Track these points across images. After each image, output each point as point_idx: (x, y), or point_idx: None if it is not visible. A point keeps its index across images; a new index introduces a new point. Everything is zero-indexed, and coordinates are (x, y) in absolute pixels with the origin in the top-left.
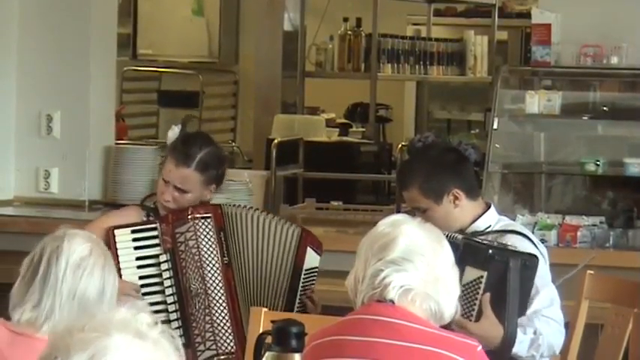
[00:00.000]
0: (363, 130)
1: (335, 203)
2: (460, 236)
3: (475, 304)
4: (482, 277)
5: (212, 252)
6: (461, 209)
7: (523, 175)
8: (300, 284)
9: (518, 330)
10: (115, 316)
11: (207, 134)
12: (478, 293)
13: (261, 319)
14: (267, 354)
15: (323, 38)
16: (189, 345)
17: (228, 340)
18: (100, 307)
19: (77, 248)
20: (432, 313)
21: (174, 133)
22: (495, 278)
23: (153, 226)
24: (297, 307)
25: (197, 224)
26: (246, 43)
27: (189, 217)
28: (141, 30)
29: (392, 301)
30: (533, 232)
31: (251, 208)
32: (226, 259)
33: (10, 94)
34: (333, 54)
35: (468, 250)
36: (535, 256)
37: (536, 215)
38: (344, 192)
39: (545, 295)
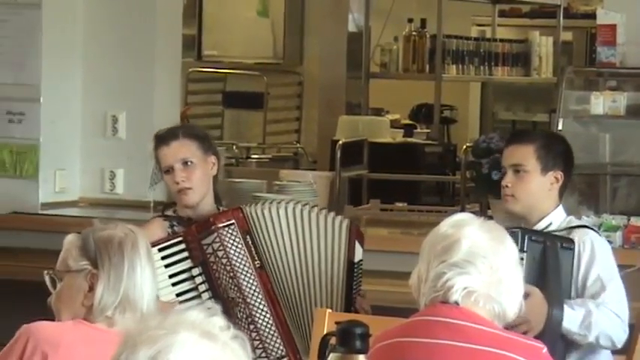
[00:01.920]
0: (428, 131)
1: (399, 204)
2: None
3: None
4: (522, 258)
5: (242, 258)
6: (549, 195)
7: (588, 176)
8: (354, 280)
9: (566, 307)
10: (186, 315)
11: None
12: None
13: (325, 320)
14: (331, 355)
15: (388, 39)
16: None
17: (277, 345)
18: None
19: (145, 244)
20: (496, 314)
21: (151, 145)
22: (535, 256)
23: (178, 240)
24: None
25: (222, 233)
26: (311, 44)
27: (213, 227)
28: (206, 31)
29: (456, 303)
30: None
31: (274, 201)
32: (258, 262)
33: (76, 95)
34: (398, 55)
35: None
36: (571, 239)
37: (601, 216)
38: (408, 193)
39: (612, 291)
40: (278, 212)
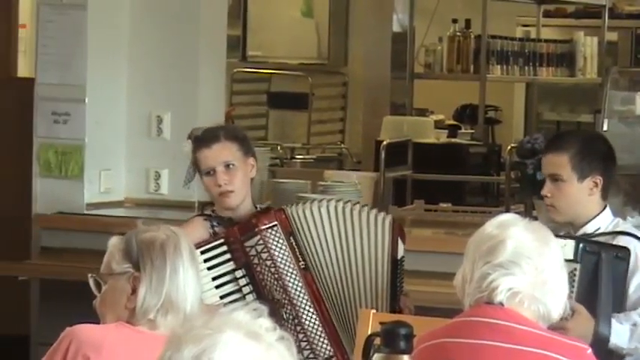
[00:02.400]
0: (472, 131)
1: (443, 205)
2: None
3: (571, 297)
4: (575, 269)
5: (287, 260)
6: (591, 199)
7: (633, 177)
8: (397, 278)
9: (613, 320)
10: (232, 316)
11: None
12: (573, 286)
13: (370, 321)
14: (375, 355)
15: (432, 39)
16: None
17: (324, 345)
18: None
19: (187, 245)
20: (541, 315)
21: (187, 145)
22: (588, 270)
23: (220, 242)
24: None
25: (265, 235)
26: (356, 45)
27: (256, 229)
28: (250, 32)
29: (501, 304)
30: None
31: (315, 200)
32: (302, 263)
33: (121, 95)
34: (442, 55)
35: (559, 243)
36: (627, 248)
37: None
38: (453, 193)
39: None
40: (320, 211)
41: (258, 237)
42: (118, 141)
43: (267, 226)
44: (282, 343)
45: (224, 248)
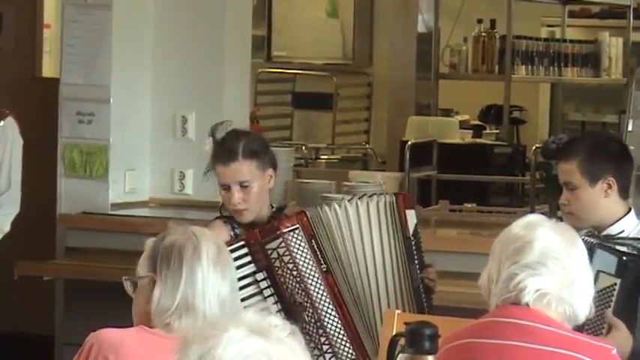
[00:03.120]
0: (497, 131)
1: (468, 205)
2: (593, 240)
3: (608, 311)
4: (615, 284)
5: (309, 263)
6: (608, 201)
7: None
8: (415, 253)
9: None
10: (240, 316)
11: (239, 129)
12: (611, 300)
13: (395, 321)
14: (400, 356)
15: (457, 40)
16: None
17: (346, 349)
18: (235, 301)
19: (211, 247)
20: (567, 316)
21: (208, 144)
22: (629, 286)
23: (241, 244)
24: (420, 278)
25: (287, 238)
26: (380, 45)
27: (278, 232)
28: (275, 32)
29: (527, 305)
30: None
31: (333, 202)
32: (324, 266)
33: (146, 95)
34: (467, 55)
35: (602, 254)
36: None
37: None
38: (477, 194)
39: None
40: (337, 213)
41: (280, 240)
42: (142, 141)
43: (289, 228)
44: (293, 339)
45: (245, 250)
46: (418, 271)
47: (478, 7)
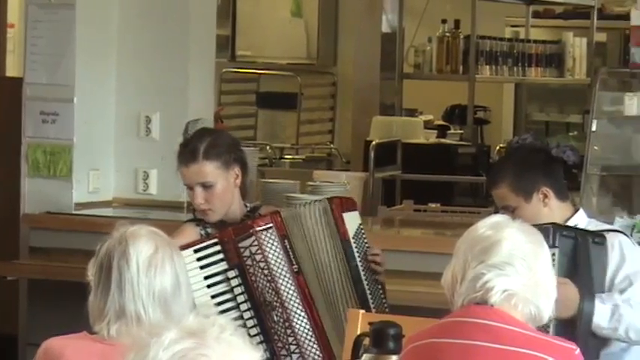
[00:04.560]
0: (461, 131)
1: (433, 205)
2: None
3: None
4: (554, 254)
5: (281, 263)
6: (550, 209)
7: (622, 177)
8: (357, 255)
9: (596, 300)
10: (181, 320)
11: (207, 127)
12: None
13: (359, 321)
14: (364, 356)
15: (421, 40)
16: (274, 358)
17: (313, 350)
18: (179, 299)
19: (143, 248)
20: (532, 317)
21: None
22: (566, 252)
23: (214, 241)
24: (365, 278)
25: (260, 237)
26: (345, 45)
27: (251, 230)
28: (240, 31)
29: (492, 305)
30: (631, 235)
31: (307, 203)
32: (296, 266)
33: (110, 95)
34: (432, 56)
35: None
36: (603, 235)
37: (634, 217)
38: (442, 194)
39: (639, 287)
40: (309, 214)
41: (253, 238)
42: (106, 141)
43: (262, 227)
44: (234, 337)
45: (217, 248)
46: (362, 274)
47: (442, 8)
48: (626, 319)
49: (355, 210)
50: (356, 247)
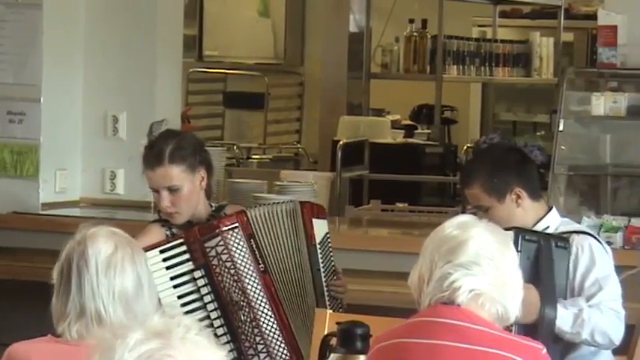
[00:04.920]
0: (429, 131)
1: (400, 205)
2: None
3: None
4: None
5: (247, 262)
6: (523, 209)
7: (589, 177)
8: (320, 260)
9: (558, 306)
10: (145, 321)
11: (172, 129)
12: None
13: (326, 321)
14: (332, 355)
15: (389, 39)
16: (242, 358)
17: (280, 348)
18: (142, 299)
19: (102, 248)
20: (499, 317)
21: (144, 143)
22: (529, 256)
23: (179, 242)
24: (326, 285)
25: (226, 237)
26: (312, 45)
27: (217, 230)
28: (207, 31)
29: (459, 305)
30: (598, 234)
31: (274, 203)
32: (262, 266)
33: (77, 95)
34: (399, 55)
35: None
36: (566, 239)
37: (601, 217)
38: (409, 193)
39: (608, 291)
40: (277, 214)
41: (219, 238)
42: (73, 141)
43: (228, 227)
44: (200, 336)
45: (183, 248)
46: (323, 279)
47: (410, 7)
48: (591, 323)
49: (325, 218)
50: (321, 254)
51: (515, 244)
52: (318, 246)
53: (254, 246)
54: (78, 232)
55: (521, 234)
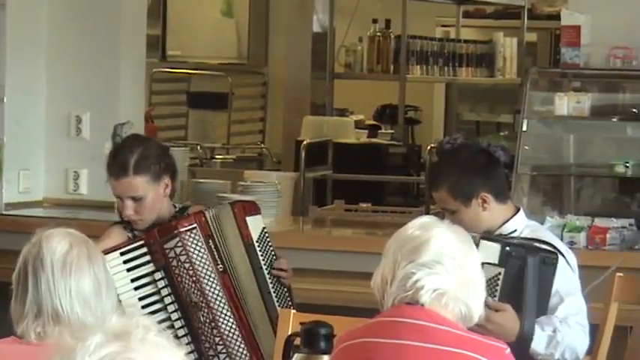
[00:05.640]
0: (392, 131)
1: (364, 205)
2: (477, 234)
3: (495, 300)
4: (499, 273)
5: (205, 263)
6: (490, 212)
7: (552, 177)
8: (261, 258)
9: (536, 326)
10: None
11: (136, 135)
12: (497, 290)
13: (290, 321)
14: (295, 356)
15: (352, 39)
16: (202, 358)
17: (240, 348)
18: (99, 297)
19: (57, 247)
20: (462, 316)
21: (108, 147)
22: (513, 275)
23: (140, 243)
24: (270, 281)
25: (184, 238)
26: (276, 45)
27: (175, 231)
28: (170, 31)
29: (422, 304)
30: (562, 234)
31: (217, 205)
32: (221, 266)
33: (40, 95)
34: (362, 55)
35: (485, 246)
36: (555, 252)
37: (565, 217)
38: (373, 194)
39: (571, 303)
40: (221, 216)
41: (178, 239)
42: (37, 141)
43: (186, 228)
44: (160, 337)
45: (144, 250)
46: (267, 276)
47: (373, 7)
48: (564, 343)
49: (258, 214)
50: (260, 251)
51: (501, 258)
52: (256, 244)
53: (212, 246)
54: (35, 235)
55: (508, 247)
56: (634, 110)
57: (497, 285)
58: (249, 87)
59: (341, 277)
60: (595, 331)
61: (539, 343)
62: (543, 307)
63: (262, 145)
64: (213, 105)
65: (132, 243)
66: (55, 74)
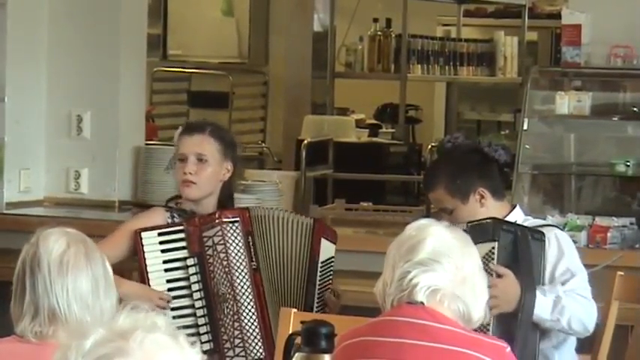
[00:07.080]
0: (393, 130)
1: (364, 204)
2: (464, 225)
3: (492, 275)
4: (493, 247)
5: (240, 257)
6: (487, 209)
7: (553, 176)
8: (318, 277)
9: (538, 292)
10: (108, 322)
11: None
12: (493, 264)
13: (291, 320)
14: (296, 355)
15: (353, 39)
16: (217, 350)
17: (257, 347)
18: (97, 296)
19: (54, 246)
20: (460, 315)
21: (176, 135)
22: (506, 245)
23: (179, 228)
24: (317, 302)
25: (225, 228)
26: (276, 44)
27: (217, 220)
28: (171, 30)
29: (422, 303)
30: None
31: (276, 208)
32: (254, 263)
33: (41, 94)
34: (363, 54)
35: (475, 231)
36: (541, 232)
37: (565, 216)
38: (373, 193)
39: (580, 279)
40: (275, 217)
41: (218, 228)
42: (37, 140)
43: (229, 219)
44: (164, 335)
45: (181, 235)
46: (316, 294)
47: (374, 6)
48: (569, 310)
49: (334, 243)
50: (320, 272)
51: (493, 233)
52: (319, 264)
53: (250, 243)
54: (34, 235)
55: (499, 224)
56: (635, 109)
57: (494, 258)
58: (250, 86)
59: (341, 276)
60: (596, 330)
61: (543, 308)
62: (538, 279)
63: (263, 145)
64: (214, 104)
65: (172, 226)
66: (55, 73)
